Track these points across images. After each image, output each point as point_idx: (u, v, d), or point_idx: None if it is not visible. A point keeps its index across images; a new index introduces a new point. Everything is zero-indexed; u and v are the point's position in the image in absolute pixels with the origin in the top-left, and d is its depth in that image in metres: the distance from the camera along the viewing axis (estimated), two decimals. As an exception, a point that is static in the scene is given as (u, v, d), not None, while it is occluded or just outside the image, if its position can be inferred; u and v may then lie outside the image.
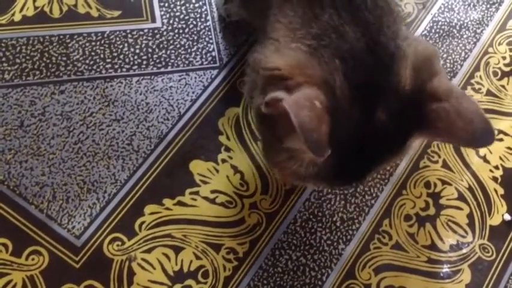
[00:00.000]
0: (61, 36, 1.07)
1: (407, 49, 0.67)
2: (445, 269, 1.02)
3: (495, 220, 1.07)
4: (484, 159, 1.11)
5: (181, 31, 1.11)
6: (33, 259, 0.92)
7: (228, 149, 1.04)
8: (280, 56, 0.68)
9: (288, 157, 0.71)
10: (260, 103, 0.67)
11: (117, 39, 1.08)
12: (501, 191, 1.09)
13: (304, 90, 0.62)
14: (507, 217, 1.06)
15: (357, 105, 0.64)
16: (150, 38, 1.09)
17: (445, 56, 1.18)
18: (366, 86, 0.64)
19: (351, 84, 0.64)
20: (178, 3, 1.13)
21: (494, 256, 1.04)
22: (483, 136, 0.62)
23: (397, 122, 0.65)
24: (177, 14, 1.12)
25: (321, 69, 0.64)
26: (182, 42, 1.10)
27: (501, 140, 1.13)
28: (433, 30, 1.20)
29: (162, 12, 1.12)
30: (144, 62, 1.07)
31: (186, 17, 1.12)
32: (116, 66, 1.06)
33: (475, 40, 1.21)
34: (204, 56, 1.10)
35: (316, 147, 0.58)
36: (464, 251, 1.04)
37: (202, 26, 1.12)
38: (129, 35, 1.09)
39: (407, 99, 0.65)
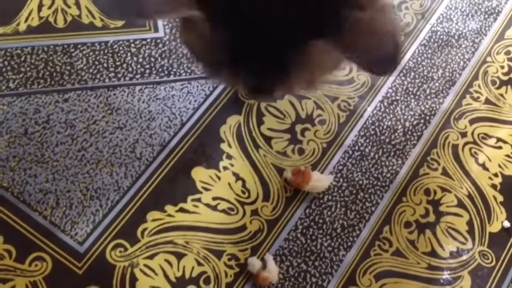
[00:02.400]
0: (65, 46, 1.08)
1: None
2: (445, 275, 1.02)
3: (495, 227, 1.07)
4: (483, 166, 1.12)
5: (183, 41, 1.13)
6: (36, 265, 0.93)
7: (229, 157, 1.05)
8: None
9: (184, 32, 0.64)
10: None
11: (121, 48, 1.10)
12: (500, 198, 1.10)
13: None
14: (506, 224, 1.07)
15: None
16: (153, 48, 1.11)
17: (443, 65, 1.20)
18: None
19: None
20: (180, 13, 1.15)
21: (494, 263, 1.05)
22: (387, 62, 0.55)
23: (302, 13, 0.55)
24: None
25: None
26: (185, 51, 1.12)
27: (500, 147, 1.14)
28: (431, 40, 1.22)
29: (165, 22, 1.14)
30: (147, 71, 1.09)
31: (188, 27, 1.14)
32: (119, 75, 1.08)
33: (473, 50, 1.23)
34: (206, 65, 1.12)
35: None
36: (464, 257, 1.04)
37: (204, 36, 1.14)
38: (132, 45, 1.11)
39: None
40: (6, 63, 1.05)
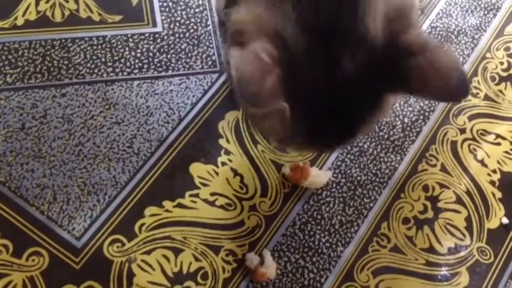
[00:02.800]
0: (63, 40, 1.08)
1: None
2: (443, 271, 1.02)
3: (493, 223, 1.07)
4: (482, 163, 1.12)
5: (181, 35, 1.12)
6: (33, 260, 0.92)
7: (227, 152, 1.05)
8: (240, 13, 0.64)
9: (261, 120, 0.71)
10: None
11: (118, 43, 1.09)
12: (499, 194, 1.10)
13: (252, 43, 0.59)
14: (505, 220, 1.07)
15: (317, 55, 0.59)
16: (151, 42, 1.11)
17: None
18: (326, 32, 0.59)
19: (307, 32, 0.59)
20: (179, 8, 1.14)
21: (492, 259, 1.05)
22: (459, 92, 0.59)
23: (367, 75, 0.60)
24: (178, 18, 1.13)
25: (274, 18, 0.60)
26: (183, 47, 1.11)
27: (499, 144, 1.14)
28: (431, 36, 1.21)
29: (163, 17, 1.13)
30: (145, 66, 1.09)
31: (187, 22, 1.13)
32: (117, 70, 1.07)
33: (472, 46, 1.22)
34: (204, 60, 1.11)
35: (252, 98, 0.56)
36: (462, 254, 1.04)
37: (202, 31, 1.13)
38: (130, 39, 1.10)
39: (379, 52, 0.60)
40: (3, 57, 1.04)
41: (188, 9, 1.14)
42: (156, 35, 1.11)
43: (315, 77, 0.60)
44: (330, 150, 0.79)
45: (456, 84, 0.59)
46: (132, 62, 1.08)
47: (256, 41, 0.59)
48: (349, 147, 1.08)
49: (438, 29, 1.22)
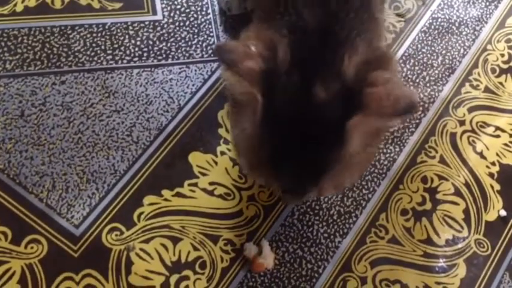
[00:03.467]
0: (62, 27, 1.07)
1: (359, 43, 0.70)
2: (441, 263, 1.03)
3: (491, 216, 1.08)
4: (481, 155, 1.12)
5: (182, 24, 1.11)
6: (32, 247, 0.92)
7: (227, 142, 1.04)
8: (247, 30, 0.74)
9: (235, 125, 0.74)
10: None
11: (118, 31, 1.09)
12: (497, 186, 1.10)
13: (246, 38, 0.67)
14: (503, 213, 1.07)
15: (296, 74, 0.66)
16: (151, 30, 1.10)
17: (443, 52, 1.19)
18: (308, 61, 0.67)
19: (293, 53, 0.67)
20: (179, -4, 1.13)
21: (489, 251, 1.05)
22: (406, 109, 0.64)
23: (336, 103, 0.66)
24: (178, 6, 1.13)
25: (272, 34, 0.69)
26: (183, 35, 1.11)
27: (498, 136, 1.14)
28: (432, 27, 1.21)
29: (163, 5, 1.12)
30: (145, 54, 1.08)
31: (187, 10, 1.13)
32: (117, 58, 1.07)
33: (473, 37, 1.22)
34: (204, 49, 1.11)
35: (230, 62, 0.64)
36: (459, 245, 1.04)
37: (203, 19, 1.13)
38: (130, 27, 1.09)
39: (348, 84, 0.66)
40: (2, 44, 1.04)
41: (188, -2, 1.14)
42: (156, 23, 1.11)
43: (291, 91, 0.66)
44: (294, 193, 0.77)
45: (405, 102, 0.64)
46: (132, 50, 1.08)
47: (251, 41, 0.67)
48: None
49: (439, 20, 1.22)
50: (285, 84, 0.66)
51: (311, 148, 0.67)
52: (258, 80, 0.64)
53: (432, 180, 1.08)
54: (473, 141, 1.13)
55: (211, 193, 1.01)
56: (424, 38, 1.20)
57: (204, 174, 1.02)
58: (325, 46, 0.69)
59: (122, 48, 1.08)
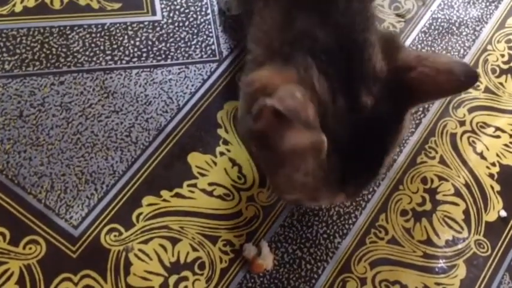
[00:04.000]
0: (61, 28, 1.07)
1: (373, 38, 0.70)
2: (441, 264, 1.02)
3: (491, 216, 1.07)
4: (481, 156, 1.11)
5: (181, 24, 1.11)
6: (30, 248, 0.92)
7: (226, 142, 1.04)
8: (261, 73, 0.70)
9: (292, 170, 0.71)
10: (250, 123, 0.69)
11: (117, 31, 1.09)
12: (497, 187, 1.09)
13: (283, 87, 0.63)
14: (503, 213, 1.07)
15: (339, 95, 0.66)
16: (150, 31, 1.10)
17: (443, 52, 1.18)
18: (343, 76, 0.67)
19: (327, 76, 0.66)
20: (178, -4, 1.13)
21: (489, 252, 1.05)
22: (468, 77, 0.64)
23: (385, 103, 0.67)
24: (178, 7, 1.13)
25: (296, 69, 0.67)
26: (182, 35, 1.11)
27: (498, 137, 1.14)
28: (432, 27, 1.21)
29: (163, 5, 1.12)
30: (144, 55, 1.08)
31: (187, 10, 1.13)
32: (116, 58, 1.07)
33: (474, 37, 1.22)
34: (203, 50, 1.10)
35: (307, 124, 0.60)
36: (459, 246, 1.04)
37: (202, 20, 1.12)
38: (129, 27, 1.09)
39: (387, 79, 0.68)
40: (1, 44, 1.04)
41: (188, -2, 1.13)
42: (156, 24, 1.11)
43: (342, 113, 0.66)
44: (358, 193, 0.84)
45: (461, 70, 0.64)
46: (131, 51, 1.08)
47: (286, 85, 0.64)
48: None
49: (439, 20, 1.21)
50: (335, 113, 0.66)
51: (374, 151, 0.70)
52: (319, 123, 0.62)
53: (432, 181, 1.08)
54: (473, 141, 1.12)
55: (210, 194, 1.01)
56: (424, 39, 1.19)
57: (203, 175, 1.02)
58: (350, 57, 0.68)
59: (121, 48, 1.07)
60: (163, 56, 1.08)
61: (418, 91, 0.67)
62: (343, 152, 0.67)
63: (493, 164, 1.11)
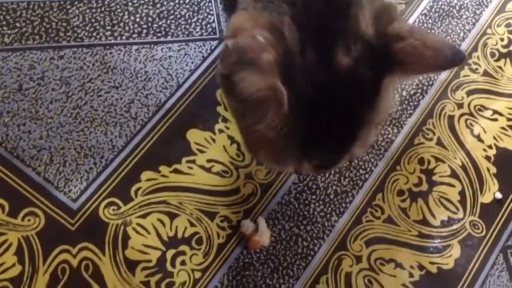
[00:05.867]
0: (61, 2, 1.07)
1: (364, 1, 0.66)
2: (436, 243, 1.03)
3: (486, 198, 1.08)
4: (478, 138, 1.12)
5: (181, 1, 1.11)
6: (29, 220, 0.93)
7: (225, 120, 1.04)
8: (237, 17, 0.69)
9: (255, 120, 0.65)
10: (219, 67, 0.66)
11: (118, 7, 1.08)
12: (493, 169, 1.10)
13: (250, 31, 0.61)
14: (498, 195, 1.08)
15: (312, 49, 0.61)
16: (150, 7, 1.10)
17: (444, 35, 1.19)
18: (319, 30, 0.62)
19: (301, 26, 0.62)
20: (179, -27, 1.13)
21: (484, 233, 1.06)
22: (455, 56, 0.62)
23: (364, 66, 0.62)
24: (178, -16, 1.12)
25: (270, 15, 0.63)
26: (182, 13, 1.10)
27: (495, 120, 1.14)
28: (432, 10, 1.21)
29: (164, -18, 1.12)
30: (144, 31, 1.08)
31: (187, -12, 1.12)
32: (116, 34, 1.06)
33: (474, 21, 1.22)
34: (204, 27, 1.10)
35: (254, 65, 0.57)
36: (454, 227, 1.05)
37: (203, -3, 1.12)
38: (130, 3, 1.09)
39: (371, 43, 0.63)
40: (1, 17, 1.03)
41: (189, -25, 1.13)
42: (156, 0, 1.10)
43: (311, 69, 0.61)
44: (326, 167, 0.76)
45: (449, 49, 0.62)
46: (131, 27, 1.08)
47: (253, 29, 0.61)
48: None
49: (440, 3, 1.21)
50: (302, 66, 0.61)
51: (344, 119, 0.64)
52: (277, 71, 0.59)
53: (429, 162, 1.09)
54: (470, 124, 1.13)
55: (208, 170, 1.01)
56: (425, 21, 1.20)
57: (201, 152, 1.02)
58: (333, 10, 0.63)
59: (121, 24, 1.07)
60: (164, 33, 1.08)
61: (402, 62, 0.62)
62: (308, 112, 0.62)
63: (490, 147, 1.12)
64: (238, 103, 0.66)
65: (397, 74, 0.64)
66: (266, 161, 0.80)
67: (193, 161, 1.01)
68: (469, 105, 1.14)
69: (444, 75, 1.15)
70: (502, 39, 1.21)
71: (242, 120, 0.73)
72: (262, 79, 0.58)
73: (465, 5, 1.22)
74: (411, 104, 1.12)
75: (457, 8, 1.22)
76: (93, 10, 1.07)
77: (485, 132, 1.13)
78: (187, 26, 1.10)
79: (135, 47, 1.06)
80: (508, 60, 1.19)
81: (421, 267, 1.01)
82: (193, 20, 1.10)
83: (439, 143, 1.10)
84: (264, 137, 0.66)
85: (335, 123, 0.64)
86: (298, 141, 0.65)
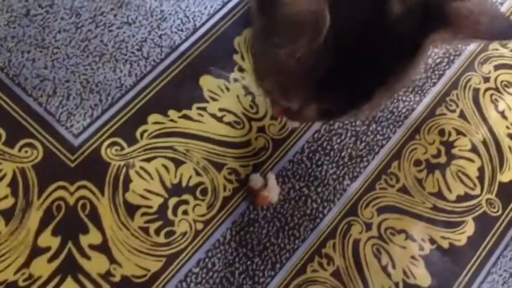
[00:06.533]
0: None
1: None
2: (449, 218, 0.98)
3: (506, 177, 1.03)
4: (503, 114, 1.07)
5: None
6: (26, 151, 0.87)
7: (241, 69, 0.99)
8: None
9: (280, 42, 0.60)
10: None
11: None
12: (515, 148, 1.06)
13: None
14: (518, 175, 1.03)
15: None
16: None
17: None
18: None
19: None
20: None
21: (500, 212, 1.01)
22: (509, 29, 0.58)
23: (413, 19, 0.58)
24: None
25: None
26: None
27: (522, 98, 1.09)
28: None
29: None
30: (163, -32, 1.01)
31: None
32: (133, -32, 1.00)
33: (507, -5, 1.16)
34: (226, -29, 1.04)
35: None
36: (470, 203, 1.00)
37: None
38: None
39: None
40: None
41: None
42: None
43: (360, 8, 0.57)
44: (330, 116, 0.71)
45: (506, 21, 0.59)
46: (150, -38, 1.01)
47: None
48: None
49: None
50: (353, 1, 0.57)
51: (369, 72, 0.60)
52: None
53: (450, 134, 1.04)
54: (495, 99, 1.08)
55: (220, 119, 0.96)
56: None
57: (214, 100, 0.96)
58: None
59: (140, -42, 1.01)
60: (184, -28, 1.02)
61: (454, 23, 0.59)
62: (341, 52, 0.58)
63: (514, 125, 1.07)
64: (270, 19, 0.61)
65: (443, 35, 0.59)
66: (271, 89, 0.72)
67: (204, 108, 0.95)
68: (495, 79, 1.09)
69: (473, 46, 1.10)
70: (535, 16, 1.16)
71: (264, 40, 0.67)
72: (310, 1, 0.53)
73: (500, -23, 1.16)
74: (436, 72, 1.07)
75: (492, -21, 1.16)
76: None
77: (510, 109, 1.08)
78: None
79: (152, -17, 1.00)
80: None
81: (432, 240, 0.97)
82: (215, -37, 1.04)
83: (462, 115, 1.05)
84: (279, 63, 0.61)
85: (360, 72, 0.59)
86: (317, 77, 0.60)
